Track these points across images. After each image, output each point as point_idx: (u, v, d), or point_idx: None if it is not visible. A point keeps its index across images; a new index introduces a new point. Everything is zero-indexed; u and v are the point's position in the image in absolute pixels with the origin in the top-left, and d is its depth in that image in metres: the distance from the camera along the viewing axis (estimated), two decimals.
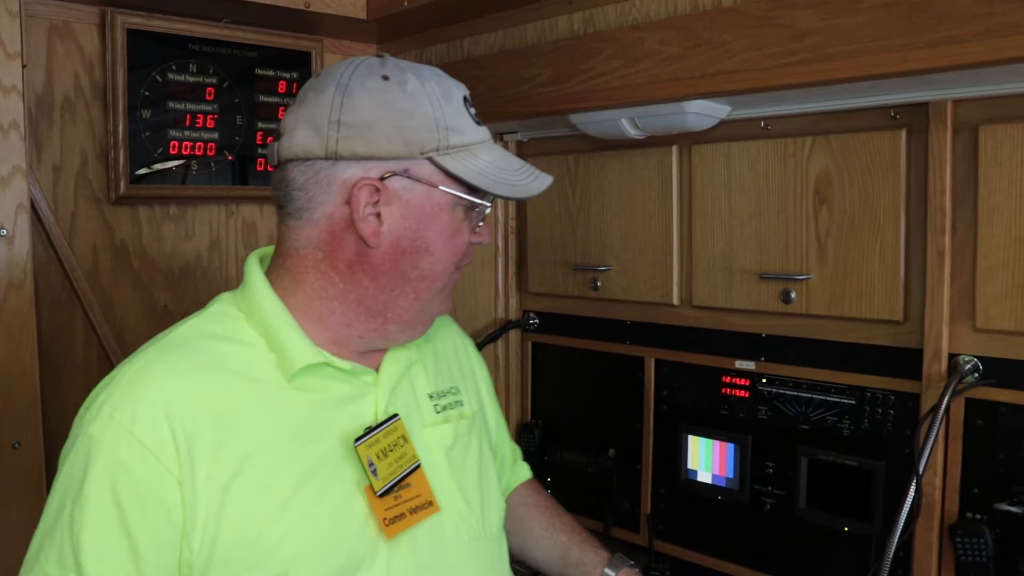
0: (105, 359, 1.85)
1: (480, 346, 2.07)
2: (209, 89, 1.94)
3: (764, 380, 1.67)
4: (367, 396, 1.08)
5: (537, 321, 2.13)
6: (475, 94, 1.85)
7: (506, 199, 1.07)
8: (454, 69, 1.96)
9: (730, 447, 1.71)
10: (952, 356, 1.40)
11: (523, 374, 2.17)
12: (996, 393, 1.35)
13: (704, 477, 1.75)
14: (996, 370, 1.35)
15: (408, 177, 1.02)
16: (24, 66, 1.54)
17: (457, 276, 1.11)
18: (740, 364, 1.70)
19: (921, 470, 1.35)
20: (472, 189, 1.05)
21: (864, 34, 1.23)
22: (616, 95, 1.58)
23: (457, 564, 1.10)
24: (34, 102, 1.74)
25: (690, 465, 1.77)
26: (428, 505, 1.07)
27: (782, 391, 1.64)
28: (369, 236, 1.02)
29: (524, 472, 1.47)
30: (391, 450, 1.04)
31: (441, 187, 1.03)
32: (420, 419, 1.13)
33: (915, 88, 1.36)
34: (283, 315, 1.04)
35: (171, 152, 1.89)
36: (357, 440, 1.02)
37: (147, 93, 1.84)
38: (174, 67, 1.88)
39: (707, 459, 1.75)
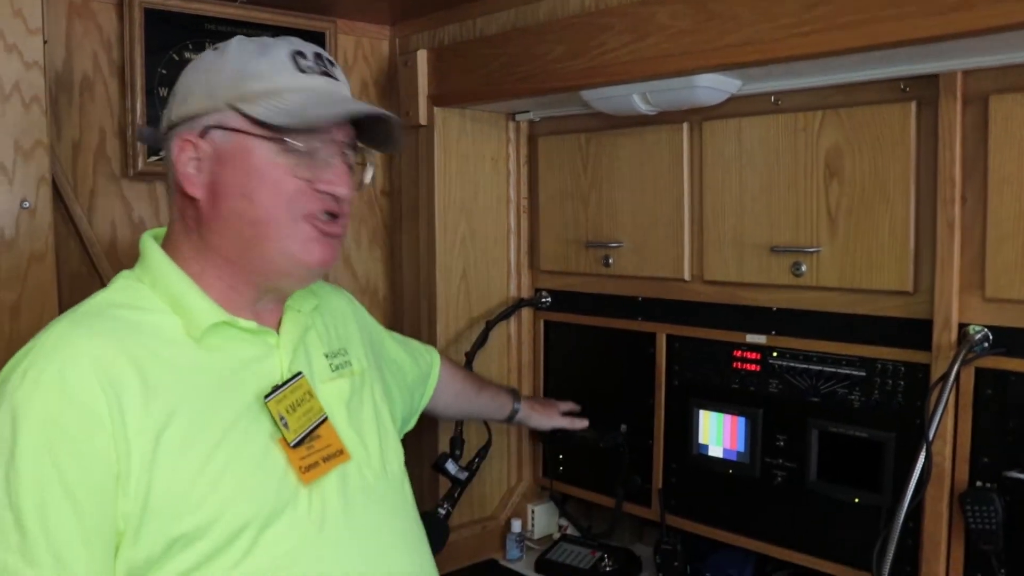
0: None
1: (492, 324, 2.09)
2: None
3: (775, 354, 1.68)
4: (272, 357, 1.15)
5: (549, 299, 2.14)
6: (488, 72, 1.89)
7: (312, 130, 1.09)
8: (467, 48, 1.99)
9: (741, 421, 1.72)
10: (962, 326, 1.40)
11: (535, 352, 2.19)
12: (1006, 362, 1.36)
13: (715, 451, 1.77)
14: (1006, 339, 1.36)
15: (222, 128, 1.09)
16: (45, 42, 1.57)
17: (325, 227, 1.12)
18: (751, 338, 1.71)
19: (931, 438, 1.36)
20: (286, 131, 1.08)
21: (874, 3, 1.23)
22: (627, 70, 1.58)
23: (366, 504, 1.18)
24: (54, 79, 1.76)
25: (701, 439, 1.79)
26: (339, 453, 1.16)
27: (793, 364, 1.65)
28: (188, 187, 1.10)
29: (436, 358, 1.73)
30: (299, 404, 1.13)
31: (246, 132, 1.08)
32: (319, 376, 1.22)
33: (925, 59, 1.37)
34: (185, 280, 1.11)
35: None
36: (267, 396, 1.09)
37: (164, 72, 1.87)
38: (191, 46, 1.91)
39: (718, 433, 1.76)
